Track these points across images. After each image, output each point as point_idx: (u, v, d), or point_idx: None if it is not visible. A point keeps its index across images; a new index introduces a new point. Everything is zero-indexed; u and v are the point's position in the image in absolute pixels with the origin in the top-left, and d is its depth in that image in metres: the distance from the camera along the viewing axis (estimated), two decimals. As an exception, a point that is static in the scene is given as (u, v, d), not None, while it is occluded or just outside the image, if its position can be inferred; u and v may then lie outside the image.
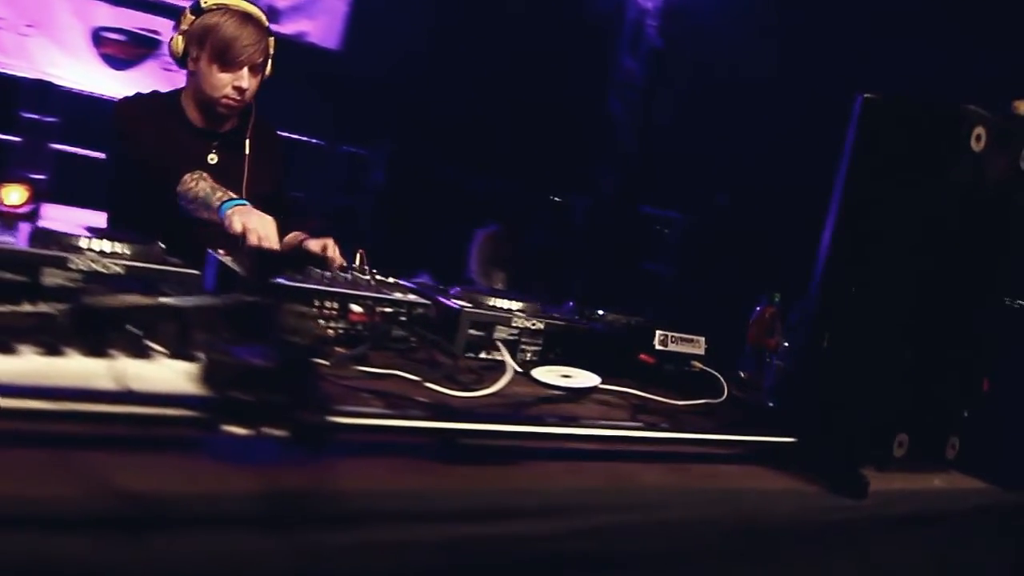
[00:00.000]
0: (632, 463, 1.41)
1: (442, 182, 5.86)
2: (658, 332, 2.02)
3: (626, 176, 6.09)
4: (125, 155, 2.45)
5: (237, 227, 2.10)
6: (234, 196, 2.24)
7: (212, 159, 2.52)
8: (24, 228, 1.76)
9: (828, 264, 1.71)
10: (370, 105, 5.85)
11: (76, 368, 1.13)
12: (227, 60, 2.40)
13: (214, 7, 2.41)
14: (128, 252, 1.68)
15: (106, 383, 1.13)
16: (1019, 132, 1.72)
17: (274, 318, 1.03)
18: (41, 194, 5.46)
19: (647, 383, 1.95)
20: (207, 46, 2.41)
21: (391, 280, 1.97)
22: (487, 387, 1.59)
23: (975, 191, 1.67)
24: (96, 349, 1.17)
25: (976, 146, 1.62)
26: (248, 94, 2.47)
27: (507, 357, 1.74)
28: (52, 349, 1.15)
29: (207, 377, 1.05)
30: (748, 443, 1.62)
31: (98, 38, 6.05)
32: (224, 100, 2.45)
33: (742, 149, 4.97)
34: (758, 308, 2.34)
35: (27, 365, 1.11)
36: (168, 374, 1.18)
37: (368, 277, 1.96)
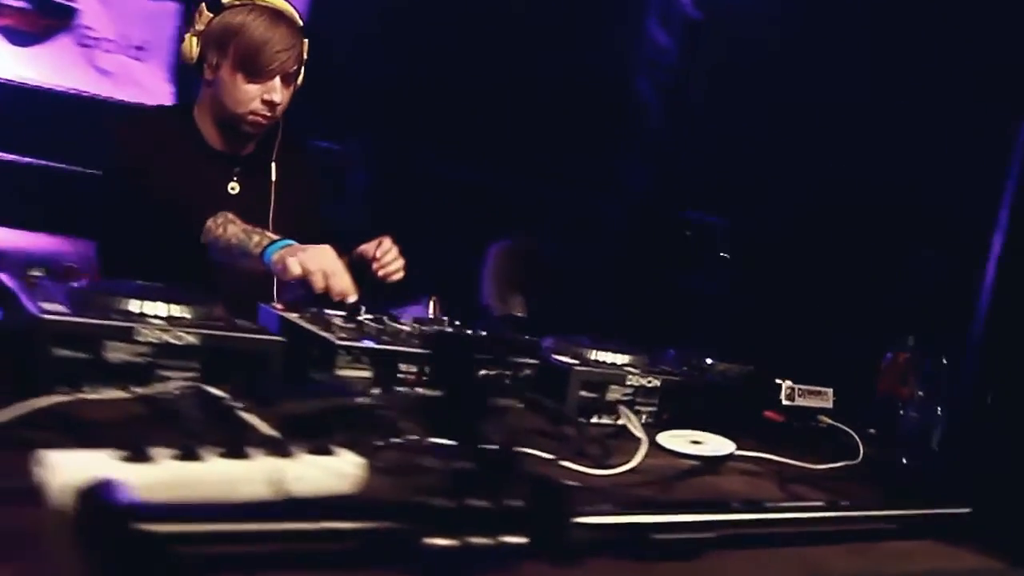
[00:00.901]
0: (814, 547, 1.51)
1: (439, 183, 5.90)
2: (784, 385, 2.13)
3: (659, 173, 6.17)
4: (125, 184, 2.48)
5: (296, 270, 2.13)
6: (275, 236, 2.28)
7: (233, 188, 2.57)
8: (53, 288, 1.83)
9: (990, 314, 1.82)
10: (348, 93, 5.87)
11: (221, 474, 1.21)
12: (255, 69, 2.44)
13: (238, 3, 2.44)
14: (190, 316, 1.76)
15: (258, 489, 1.21)
16: None
17: (475, 413, 1.12)
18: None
19: (774, 443, 2.06)
20: (230, 51, 2.44)
21: (483, 332, 2.06)
22: (624, 462, 1.69)
23: None
24: (234, 449, 1.25)
25: None
26: (280, 109, 2.51)
27: (637, 426, 1.84)
28: (188, 452, 1.22)
29: (399, 480, 1.14)
30: (920, 516, 1.73)
31: (-6, 7, 6.02)
32: (251, 117, 2.49)
33: (798, 141, 5.06)
34: (889, 354, 2.46)
35: (165, 473, 1.18)
36: (323, 475, 1.27)
37: (452, 330, 2.05)
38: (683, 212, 5.96)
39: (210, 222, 2.35)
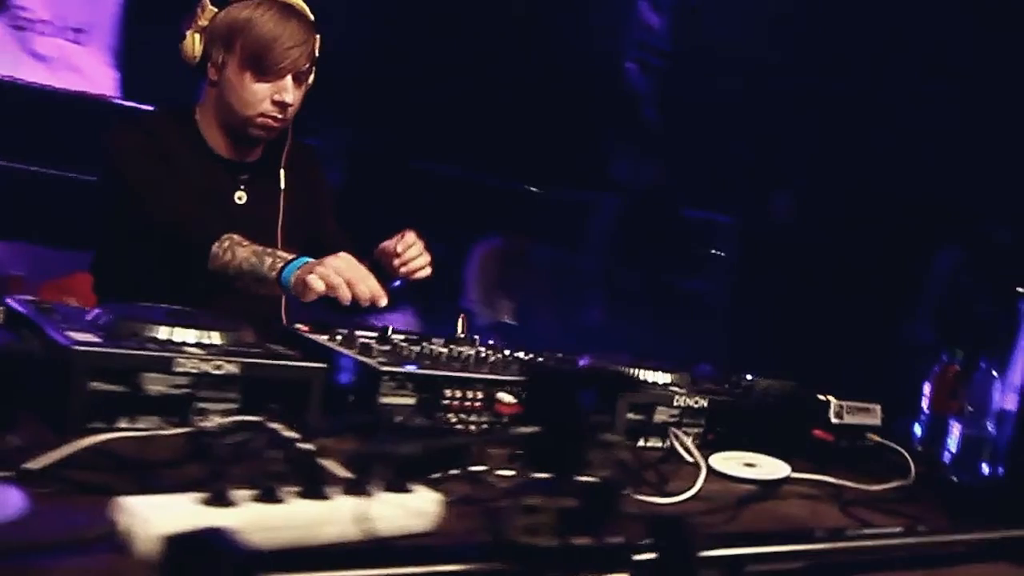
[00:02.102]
0: (891, 572, 1.61)
1: (419, 178, 5.92)
2: (833, 402, 2.23)
3: (655, 167, 6.22)
4: (123, 197, 2.51)
5: (319, 287, 2.15)
6: (287, 256, 2.31)
7: (240, 198, 2.61)
8: (71, 314, 1.88)
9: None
10: (323, 86, 5.89)
11: (304, 516, 1.28)
12: (265, 67, 2.47)
13: None
14: (224, 342, 1.82)
15: (342, 530, 1.28)
16: None
17: (577, 448, 1.19)
18: None
19: (823, 462, 2.15)
20: (237, 48, 2.47)
21: (519, 353, 2.14)
22: (683, 488, 1.77)
23: None
24: (313, 489, 1.32)
25: None
26: (291, 111, 2.55)
27: (694, 451, 1.93)
28: (268, 494, 1.29)
29: (495, 520, 1.21)
30: (999, 539, 1.83)
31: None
32: (260, 119, 2.53)
33: (806, 134, 5.13)
34: (936, 367, 2.56)
35: (247, 516, 1.24)
36: (403, 514, 1.34)
37: (488, 351, 2.12)
38: (684, 210, 6.02)
39: (215, 248, 2.36)
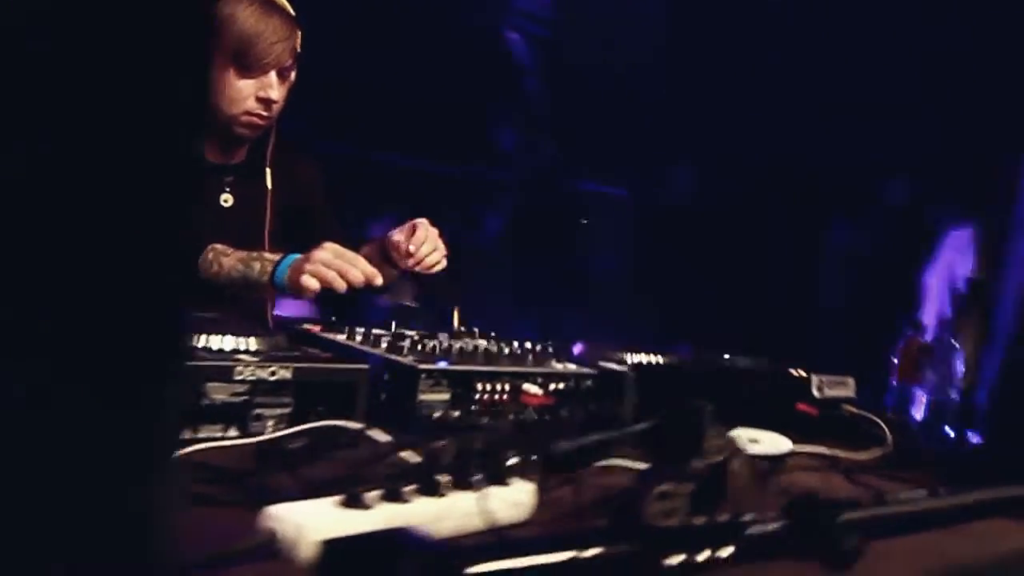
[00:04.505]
0: (924, 533, 1.83)
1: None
2: (815, 377, 2.45)
3: (543, 141, 6.31)
4: None
5: (314, 286, 2.27)
6: (273, 257, 2.41)
7: (225, 200, 2.68)
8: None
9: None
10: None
11: (428, 513, 1.42)
12: (248, 63, 2.54)
13: None
14: (260, 347, 1.94)
15: (459, 524, 1.43)
16: None
17: (694, 436, 1.37)
18: None
19: (807, 435, 2.38)
20: (219, 45, 2.52)
21: (526, 344, 2.30)
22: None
23: None
24: (430, 487, 1.47)
25: None
26: (276, 107, 2.63)
27: (710, 430, 2.12)
28: (394, 494, 1.43)
29: (626, 505, 1.38)
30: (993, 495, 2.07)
31: None
32: (245, 118, 2.60)
33: (705, 105, 5.31)
34: (901, 341, 2.82)
35: (382, 517, 1.38)
36: (504, 505, 1.50)
37: (498, 343, 2.27)
38: (577, 183, 6.14)
39: (200, 260, 2.44)
